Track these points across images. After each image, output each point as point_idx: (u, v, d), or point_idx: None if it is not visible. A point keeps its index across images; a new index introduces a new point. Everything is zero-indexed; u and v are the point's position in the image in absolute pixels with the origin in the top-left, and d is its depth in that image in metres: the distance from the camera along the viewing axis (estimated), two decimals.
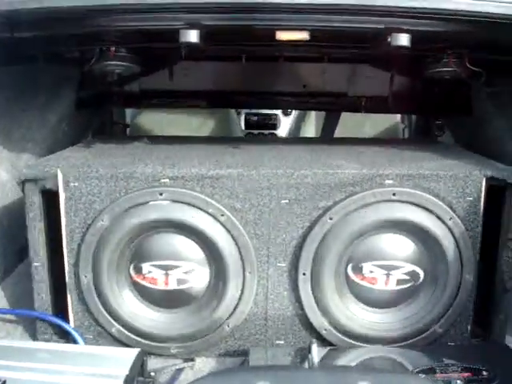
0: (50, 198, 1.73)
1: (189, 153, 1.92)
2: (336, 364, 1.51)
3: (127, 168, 1.71)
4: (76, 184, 1.70)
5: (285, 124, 3.87)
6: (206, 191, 1.70)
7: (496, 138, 2.16)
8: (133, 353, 1.66)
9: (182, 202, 1.70)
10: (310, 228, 1.71)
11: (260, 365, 1.31)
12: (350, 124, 3.12)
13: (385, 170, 1.70)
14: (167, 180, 1.70)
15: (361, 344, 1.73)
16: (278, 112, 3.87)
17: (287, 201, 1.71)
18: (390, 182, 1.69)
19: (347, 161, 1.79)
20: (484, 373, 1.58)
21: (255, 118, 3.92)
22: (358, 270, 1.74)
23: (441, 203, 1.70)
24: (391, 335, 1.74)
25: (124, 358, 1.63)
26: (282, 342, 1.77)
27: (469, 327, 1.80)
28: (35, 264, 1.77)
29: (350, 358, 1.67)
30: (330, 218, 1.69)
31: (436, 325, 1.75)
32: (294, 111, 3.81)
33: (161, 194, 1.69)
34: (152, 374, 1.69)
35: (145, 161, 1.78)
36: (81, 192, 1.71)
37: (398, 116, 3.43)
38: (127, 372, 1.55)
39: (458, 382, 1.52)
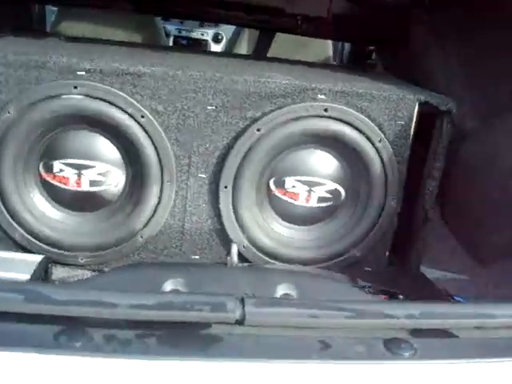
0: None
1: (110, 49, 1.77)
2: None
3: (40, 56, 1.54)
4: None
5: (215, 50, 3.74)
6: (125, 89, 1.56)
7: (430, 71, 2.12)
8: (36, 259, 1.54)
9: (98, 98, 1.56)
10: (236, 138, 1.62)
11: (176, 262, 1.22)
12: (281, 54, 3.01)
13: (318, 84, 1.62)
14: (83, 73, 1.55)
15: (278, 263, 1.68)
16: (209, 38, 3.75)
17: (214, 107, 1.60)
18: (323, 97, 1.62)
19: (280, 73, 1.70)
20: (400, 297, 1.58)
21: (184, 42, 3.78)
22: (280, 184, 1.67)
23: (372, 124, 1.65)
24: (310, 255, 1.70)
25: (26, 263, 1.51)
26: (197, 257, 1.69)
27: (387, 253, 1.79)
28: None
29: None
30: (258, 130, 1.61)
31: (355, 248, 1.72)
32: (224, 37, 3.68)
33: (75, 88, 1.54)
34: (57, 282, 1.58)
35: (60, 51, 1.61)
36: None
37: (331, 50, 3.35)
38: (28, 277, 1.43)
39: None
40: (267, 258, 1.67)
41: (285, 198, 1.68)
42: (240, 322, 0.89)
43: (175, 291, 0.99)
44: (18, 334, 0.87)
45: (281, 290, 1.02)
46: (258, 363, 0.85)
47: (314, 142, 1.65)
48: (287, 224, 1.71)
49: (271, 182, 1.67)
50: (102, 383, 0.83)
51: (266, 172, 1.65)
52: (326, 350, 0.87)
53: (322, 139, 1.65)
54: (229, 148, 1.62)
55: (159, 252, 1.67)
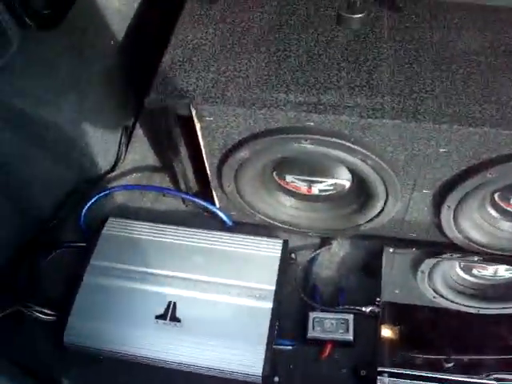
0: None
1: (331, 80, 1.58)
2: None
3: (266, 110, 1.51)
4: (211, 118, 1.57)
5: None
6: (355, 134, 1.53)
7: None
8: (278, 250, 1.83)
9: (327, 147, 1.56)
10: (466, 173, 1.57)
11: None
12: None
13: None
14: (312, 123, 1.52)
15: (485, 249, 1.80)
16: None
17: (446, 150, 1.53)
18: None
19: None
20: None
21: None
22: (506, 198, 1.69)
23: None
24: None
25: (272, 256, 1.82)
26: (414, 235, 1.86)
27: None
28: (176, 163, 1.79)
29: None
30: (490, 174, 1.53)
31: None
32: None
33: (306, 140, 1.55)
34: (292, 255, 1.90)
35: (287, 95, 1.53)
36: (217, 124, 1.58)
37: None
38: (274, 288, 1.77)
39: None
40: (481, 248, 1.80)
41: (508, 208, 1.71)
42: None
43: None
44: None
45: None
46: None
47: None
48: (505, 222, 1.76)
49: (496, 196, 1.69)
50: None
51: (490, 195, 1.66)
52: None
53: None
54: (457, 180, 1.59)
55: (380, 231, 1.86)
